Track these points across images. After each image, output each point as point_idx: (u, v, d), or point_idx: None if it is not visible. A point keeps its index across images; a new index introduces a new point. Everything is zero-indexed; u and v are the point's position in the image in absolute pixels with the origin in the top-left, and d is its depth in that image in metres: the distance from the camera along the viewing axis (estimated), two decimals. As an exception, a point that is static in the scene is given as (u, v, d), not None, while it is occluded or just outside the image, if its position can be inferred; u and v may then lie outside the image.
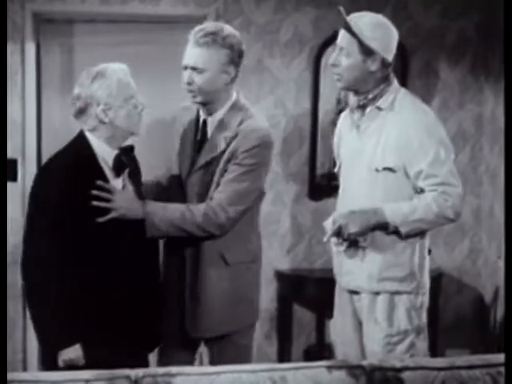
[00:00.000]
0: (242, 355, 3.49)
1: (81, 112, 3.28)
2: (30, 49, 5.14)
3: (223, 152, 3.37)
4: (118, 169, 3.32)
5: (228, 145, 3.36)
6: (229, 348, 3.48)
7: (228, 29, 3.41)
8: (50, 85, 5.26)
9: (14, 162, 5.07)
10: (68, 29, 5.32)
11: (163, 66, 5.01)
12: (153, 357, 3.60)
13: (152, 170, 3.74)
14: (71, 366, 3.14)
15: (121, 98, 3.26)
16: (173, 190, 3.58)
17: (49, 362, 3.24)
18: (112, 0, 5.19)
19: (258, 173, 3.40)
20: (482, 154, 5.53)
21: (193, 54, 3.36)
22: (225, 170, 3.37)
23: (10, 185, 4.91)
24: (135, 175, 3.43)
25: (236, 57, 3.38)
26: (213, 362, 3.49)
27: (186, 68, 3.38)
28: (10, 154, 5.06)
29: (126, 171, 3.36)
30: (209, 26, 3.41)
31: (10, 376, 2.29)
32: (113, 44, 5.22)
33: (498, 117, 5.27)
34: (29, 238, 3.23)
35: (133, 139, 3.40)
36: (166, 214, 3.31)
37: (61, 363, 3.18)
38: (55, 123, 5.26)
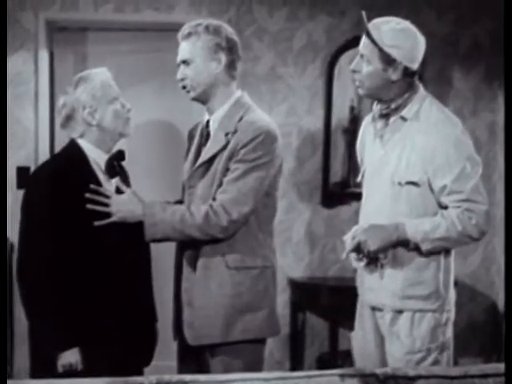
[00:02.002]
0: (245, 369, 3.20)
1: (68, 119, 3.28)
2: (44, 57, 5.17)
3: (223, 149, 3.21)
4: (110, 172, 3.29)
5: (228, 141, 3.20)
6: (231, 360, 3.24)
7: (213, 21, 3.34)
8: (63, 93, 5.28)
9: (26, 170, 5.08)
10: (81, 37, 5.35)
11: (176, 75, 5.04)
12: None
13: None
14: (69, 373, 3.08)
15: (105, 100, 3.26)
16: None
17: (43, 369, 3.17)
18: (125, 8, 5.22)
19: (263, 169, 3.18)
20: (495, 163, 5.52)
21: (180, 49, 3.32)
22: (227, 169, 3.19)
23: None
24: (125, 182, 3.37)
25: (224, 43, 3.26)
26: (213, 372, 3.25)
27: (179, 66, 3.33)
28: (22, 162, 5.09)
29: (118, 177, 3.32)
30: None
31: (11, 383, 2.28)
32: (126, 52, 5.25)
33: (511, 125, 5.26)
34: (24, 241, 3.19)
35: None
36: (166, 215, 3.15)
37: (60, 368, 3.12)
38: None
